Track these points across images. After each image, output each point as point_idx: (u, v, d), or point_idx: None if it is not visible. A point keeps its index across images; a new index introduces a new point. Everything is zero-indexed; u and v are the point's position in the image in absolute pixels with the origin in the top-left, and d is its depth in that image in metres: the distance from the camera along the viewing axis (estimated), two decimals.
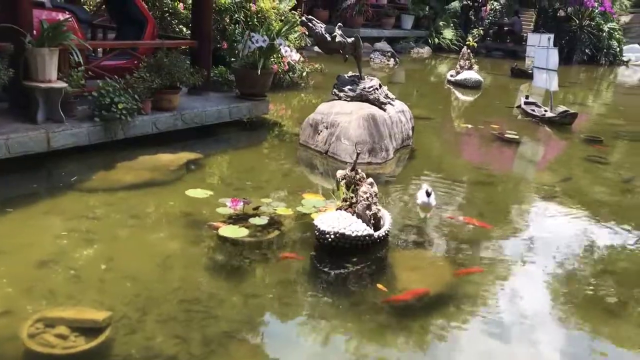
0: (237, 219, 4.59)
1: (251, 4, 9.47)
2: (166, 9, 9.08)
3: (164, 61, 6.30)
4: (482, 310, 3.82)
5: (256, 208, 4.80)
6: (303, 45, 11.55)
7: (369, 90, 6.81)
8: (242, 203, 4.71)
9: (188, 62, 7.61)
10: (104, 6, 8.51)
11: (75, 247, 4.07)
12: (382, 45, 16.96)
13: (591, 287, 4.29)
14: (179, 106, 6.59)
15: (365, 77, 7.08)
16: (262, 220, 4.58)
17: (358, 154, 4.69)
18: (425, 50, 19.65)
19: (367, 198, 4.35)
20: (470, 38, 20.12)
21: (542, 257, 4.66)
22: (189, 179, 5.50)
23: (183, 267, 3.98)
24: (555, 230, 5.28)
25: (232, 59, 8.47)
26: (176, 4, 9.10)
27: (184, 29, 9.21)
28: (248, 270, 4.01)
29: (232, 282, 3.83)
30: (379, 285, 3.91)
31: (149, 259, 4.02)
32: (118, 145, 5.92)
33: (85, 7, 9.07)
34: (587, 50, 22.01)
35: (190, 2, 8.84)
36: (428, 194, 4.98)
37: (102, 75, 6.15)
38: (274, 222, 4.62)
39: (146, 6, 7.56)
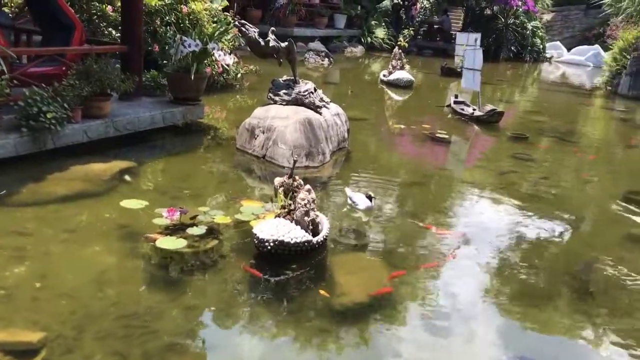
0: (175, 230, 4.55)
1: (182, 6, 9.34)
2: (94, 11, 8.82)
3: (93, 67, 6.13)
4: (419, 308, 3.96)
5: (193, 217, 4.77)
6: (237, 45, 11.50)
7: (304, 94, 6.87)
8: (178, 213, 4.67)
9: (118, 65, 7.45)
10: (27, 8, 8.16)
11: (5, 265, 3.92)
12: (316, 45, 17.08)
13: (522, 278, 4.55)
14: (110, 113, 6.44)
15: (300, 80, 7.14)
16: (200, 230, 4.56)
17: (295, 162, 4.74)
18: (359, 49, 19.91)
19: (305, 205, 4.41)
20: (401, 38, 20.57)
21: (476, 252, 4.88)
22: (123, 189, 5.39)
23: (120, 282, 3.92)
24: (488, 225, 5.54)
25: (164, 62, 8.33)
26: (104, 6, 8.85)
27: (114, 32, 8.98)
28: (187, 281, 3.99)
29: (171, 295, 3.80)
30: (321, 291, 3.98)
31: (85, 274, 3.93)
32: (48, 155, 5.73)
33: (5, 9, 8.67)
34: (512, 48, 22.94)
35: (119, 5, 8.64)
36: (370, 198, 5.23)
37: (28, 83, 5.92)
38: (212, 231, 4.61)
39: (73, 10, 7.30)
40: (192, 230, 4.54)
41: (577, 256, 5.05)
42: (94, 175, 5.54)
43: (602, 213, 6.36)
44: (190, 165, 6.46)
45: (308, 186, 4.57)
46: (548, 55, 24.71)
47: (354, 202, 5.36)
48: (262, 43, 6.77)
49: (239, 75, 10.76)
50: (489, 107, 10.11)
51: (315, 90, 7.05)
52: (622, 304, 4.32)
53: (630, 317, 4.13)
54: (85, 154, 5.96)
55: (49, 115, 5.50)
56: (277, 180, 4.66)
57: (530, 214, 5.87)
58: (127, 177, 5.67)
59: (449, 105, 10.89)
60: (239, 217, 4.91)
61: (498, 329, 3.85)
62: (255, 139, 6.68)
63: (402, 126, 9.39)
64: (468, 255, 4.82)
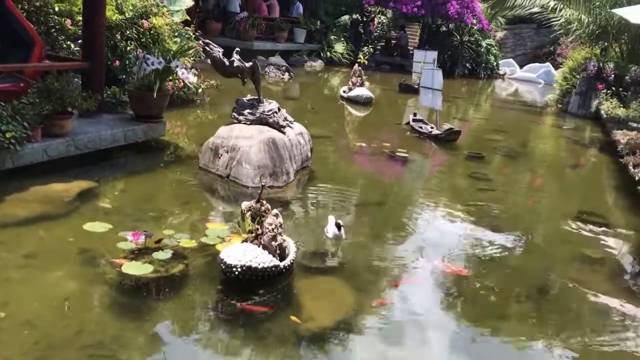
0: (140, 254, 4.51)
1: (144, 21, 9.26)
2: (52, 24, 8.65)
3: (54, 85, 6.03)
4: (384, 332, 4.02)
5: (158, 241, 4.73)
6: (197, 59, 11.45)
7: (268, 113, 6.91)
8: (143, 236, 4.64)
9: (77, 79, 7.33)
10: None
11: None
12: (277, 59, 17.17)
13: (479, 296, 4.69)
14: (71, 131, 6.33)
15: (264, 100, 7.17)
16: (165, 254, 4.53)
17: (263, 186, 4.77)
18: (318, 64, 20.08)
19: (273, 229, 4.44)
20: (361, 55, 20.82)
21: (432, 270, 5.03)
22: (85, 211, 5.30)
23: (84, 309, 3.86)
24: (445, 244, 5.68)
25: (124, 76, 8.25)
26: (63, 20, 8.69)
27: (72, 45, 8.83)
28: (153, 308, 3.96)
29: (137, 322, 3.77)
30: (292, 317, 4.01)
31: (47, 301, 3.86)
32: (6, 175, 5.58)
33: None
34: (467, 65, 23.52)
35: (79, 19, 8.51)
36: (339, 227, 5.22)
37: None
38: (178, 256, 4.59)
39: (31, 24, 7.15)
40: (158, 255, 4.50)
41: (530, 276, 5.22)
42: (55, 196, 5.43)
43: (554, 233, 6.59)
44: (153, 184, 6.39)
45: (275, 211, 4.61)
46: (501, 72, 25.47)
47: (326, 230, 5.33)
48: (227, 63, 6.78)
49: (199, 90, 10.70)
50: (446, 125, 10.36)
51: (279, 109, 7.10)
52: (572, 320, 4.52)
53: (580, 333, 4.32)
54: (45, 173, 5.83)
55: (8, 135, 5.38)
56: (245, 205, 4.67)
57: (485, 233, 6.05)
58: (88, 198, 5.53)
59: (407, 123, 11.10)
60: (205, 241, 4.89)
61: (460, 347, 3.97)
62: (219, 158, 6.67)
63: (363, 144, 9.51)
64: (426, 275, 4.95)
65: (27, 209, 5.12)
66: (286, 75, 16.14)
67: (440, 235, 6.01)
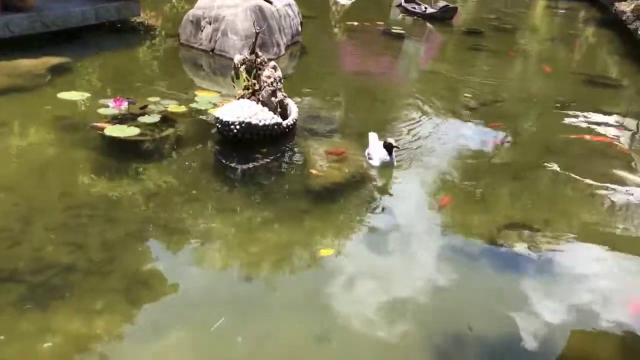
0: (124, 119, 4.06)
1: None
2: None
3: None
4: (387, 194, 3.68)
5: (143, 107, 4.27)
6: None
7: None
8: (126, 102, 4.19)
9: None
10: None
11: None
12: None
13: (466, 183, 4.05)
14: (35, 6, 5.68)
15: None
16: (153, 119, 4.09)
17: (257, 34, 4.21)
18: None
19: (272, 83, 3.97)
20: None
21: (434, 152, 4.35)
22: (59, 83, 4.77)
23: (67, 172, 3.46)
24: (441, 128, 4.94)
25: None
26: None
27: None
28: (144, 170, 3.54)
29: (128, 183, 3.37)
30: (313, 171, 3.66)
31: (25, 166, 3.47)
32: None
33: None
34: None
35: None
36: (389, 150, 3.76)
37: None
38: (167, 120, 4.14)
39: None
40: (144, 119, 4.07)
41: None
42: (23, 71, 4.88)
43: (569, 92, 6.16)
44: (132, 60, 5.84)
45: (273, 63, 4.12)
46: None
47: (368, 154, 3.92)
48: None
49: None
50: (441, 3, 9.71)
51: None
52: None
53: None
54: (8, 50, 5.22)
55: None
56: (238, 58, 4.14)
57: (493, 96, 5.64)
58: (61, 71, 4.98)
59: (399, 5, 10.41)
60: (195, 106, 4.44)
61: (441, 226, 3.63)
62: (202, 31, 6.08)
63: (355, 23, 8.88)
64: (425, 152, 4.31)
65: None
66: None
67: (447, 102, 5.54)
